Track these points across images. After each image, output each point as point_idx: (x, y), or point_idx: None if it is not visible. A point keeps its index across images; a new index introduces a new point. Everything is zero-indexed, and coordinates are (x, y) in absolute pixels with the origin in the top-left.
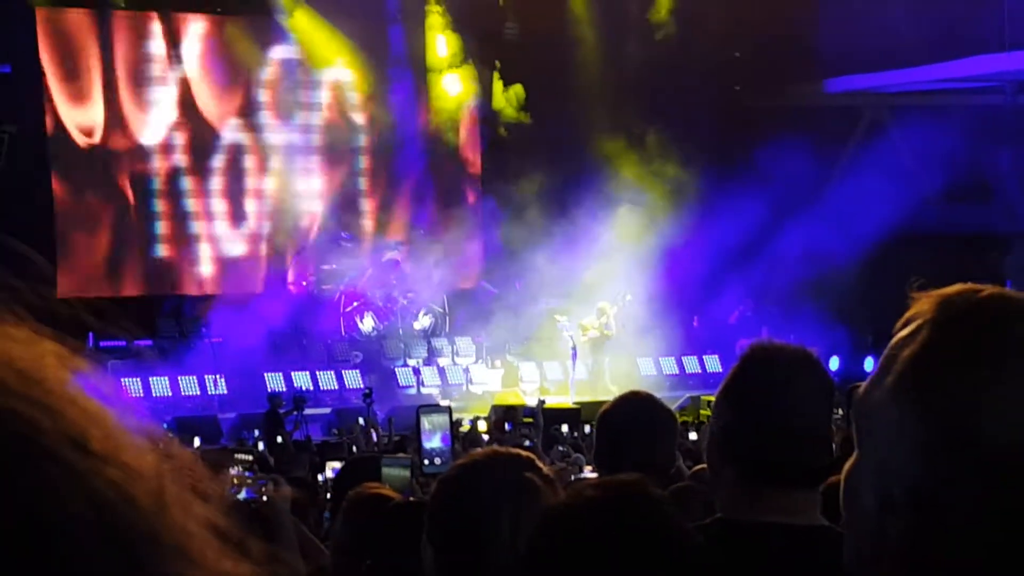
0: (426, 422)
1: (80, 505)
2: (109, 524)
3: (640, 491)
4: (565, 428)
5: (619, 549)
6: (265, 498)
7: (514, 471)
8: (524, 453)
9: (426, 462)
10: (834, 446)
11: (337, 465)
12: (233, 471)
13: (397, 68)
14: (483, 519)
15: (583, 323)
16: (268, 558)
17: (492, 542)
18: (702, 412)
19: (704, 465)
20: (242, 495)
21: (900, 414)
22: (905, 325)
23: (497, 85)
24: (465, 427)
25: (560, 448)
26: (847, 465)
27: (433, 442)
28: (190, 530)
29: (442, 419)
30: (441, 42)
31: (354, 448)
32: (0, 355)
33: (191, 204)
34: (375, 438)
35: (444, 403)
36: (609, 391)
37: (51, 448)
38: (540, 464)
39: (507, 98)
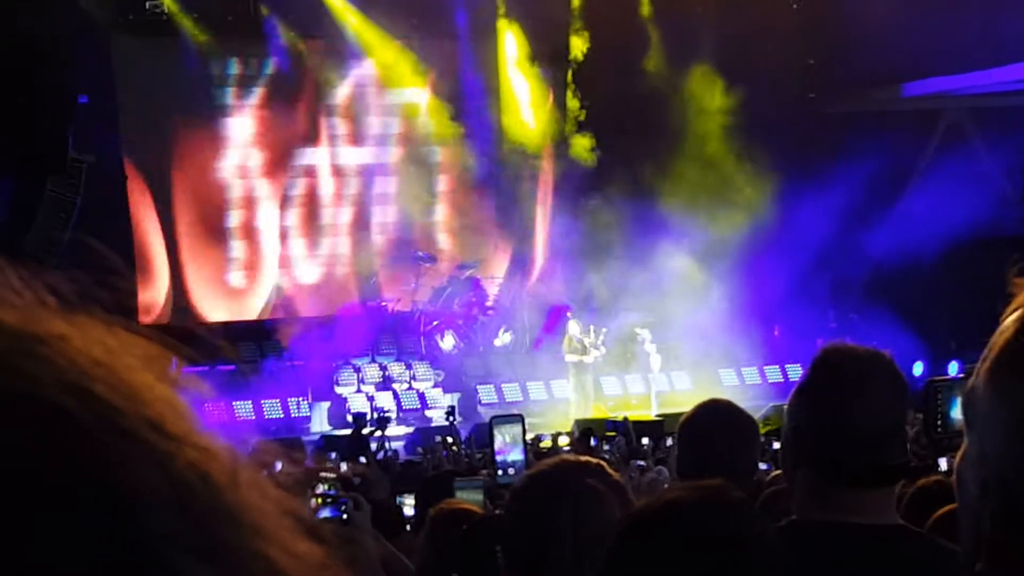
0: (500, 434)
1: (160, 483)
2: (188, 502)
3: (723, 494)
4: (646, 441)
5: (702, 550)
6: (346, 516)
7: (578, 478)
8: (593, 460)
9: (500, 472)
10: (908, 446)
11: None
12: (318, 489)
13: (470, 86)
14: (547, 526)
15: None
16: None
17: (555, 548)
18: None
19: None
20: (324, 514)
21: (992, 400)
22: (1011, 313)
23: (570, 103)
24: (546, 443)
25: (638, 463)
26: (958, 455)
27: (514, 454)
28: (266, 510)
29: (516, 429)
30: (512, 57)
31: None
32: (77, 343)
33: (269, 228)
34: (455, 455)
35: (518, 412)
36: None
37: (130, 428)
38: (609, 471)
39: (573, 117)
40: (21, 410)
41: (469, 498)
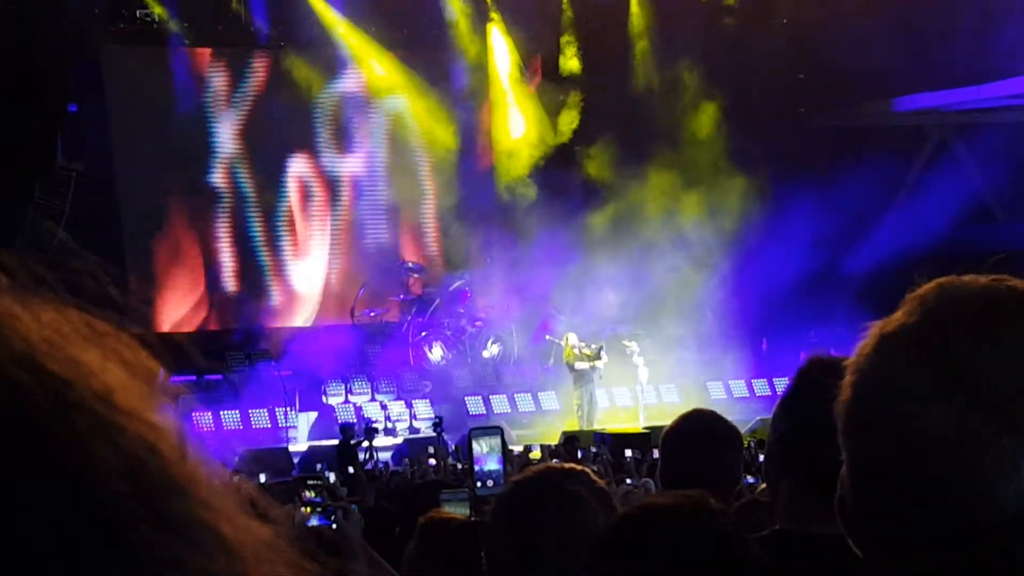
0: (478, 446)
1: (110, 455)
2: (137, 473)
3: (701, 501)
4: (628, 453)
5: (681, 555)
6: (335, 525)
7: (563, 484)
8: (578, 467)
9: (479, 484)
10: None
11: None
12: (305, 497)
13: (459, 95)
14: (532, 532)
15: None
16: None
17: (540, 554)
18: None
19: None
20: (313, 522)
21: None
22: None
23: (561, 114)
24: (536, 454)
25: (628, 481)
26: None
27: (490, 464)
28: (213, 486)
29: (495, 441)
30: (502, 66)
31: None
32: (28, 321)
33: (257, 237)
34: (443, 466)
35: (496, 424)
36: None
37: (80, 402)
38: (594, 478)
39: (565, 124)
40: None
41: (455, 510)
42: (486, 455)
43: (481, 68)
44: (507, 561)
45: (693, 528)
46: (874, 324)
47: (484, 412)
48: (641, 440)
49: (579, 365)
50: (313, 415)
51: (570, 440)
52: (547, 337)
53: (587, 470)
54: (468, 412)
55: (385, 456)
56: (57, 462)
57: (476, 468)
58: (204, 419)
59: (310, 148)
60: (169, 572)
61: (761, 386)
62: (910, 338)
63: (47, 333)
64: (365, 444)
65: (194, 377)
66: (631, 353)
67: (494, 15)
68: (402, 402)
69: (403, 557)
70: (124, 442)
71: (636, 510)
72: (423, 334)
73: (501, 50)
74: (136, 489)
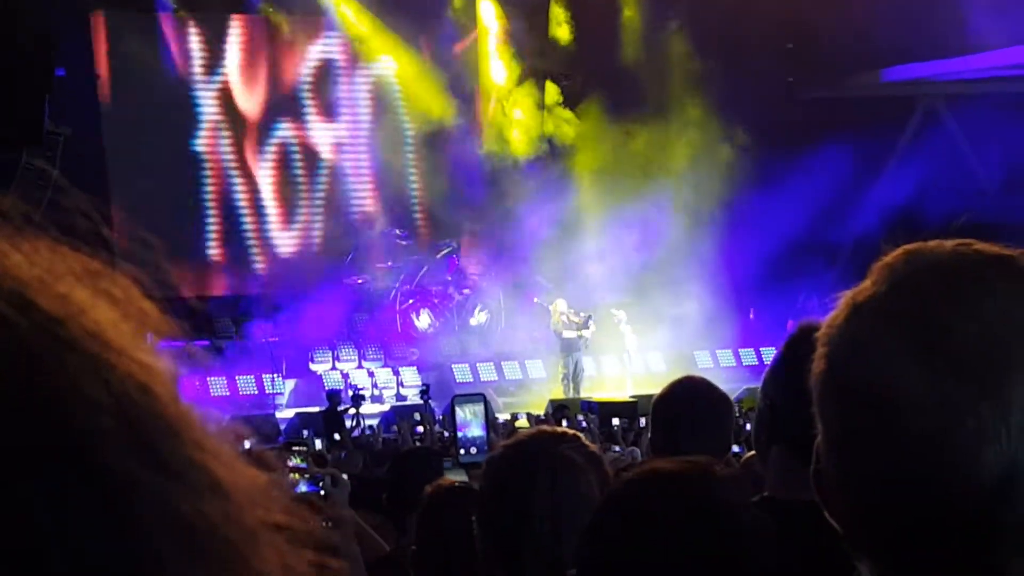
0: (462, 411)
1: (100, 392)
2: (129, 411)
3: (707, 469)
4: (616, 421)
5: (686, 521)
6: (323, 492)
7: (555, 448)
8: (570, 431)
9: (462, 451)
10: None
11: None
12: (290, 463)
13: (448, 61)
14: (524, 496)
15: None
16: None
17: (532, 518)
18: None
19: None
20: (302, 488)
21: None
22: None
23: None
24: (522, 423)
25: (616, 449)
26: None
27: (473, 430)
28: (208, 429)
29: (478, 408)
30: (492, 32)
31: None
32: (18, 258)
33: (244, 203)
34: (430, 433)
35: (479, 391)
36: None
37: (70, 338)
38: (586, 442)
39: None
40: None
41: (457, 477)
42: (469, 422)
43: (470, 34)
44: (500, 526)
45: (697, 495)
46: (843, 294)
47: (471, 380)
48: (628, 409)
49: (567, 334)
50: (300, 381)
51: (560, 408)
52: (535, 300)
53: (579, 434)
54: (455, 380)
55: (372, 423)
56: (46, 400)
57: (459, 435)
58: (191, 385)
59: (296, 114)
60: (160, 512)
61: (748, 356)
62: (884, 306)
63: (38, 271)
64: (352, 411)
65: (180, 343)
66: (619, 321)
67: None
68: (389, 369)
69: (411, 525)
70: (114, 380)
71: (638, 475)
72: (410, 301)
73: (490, 16)
74: (126, 428)
